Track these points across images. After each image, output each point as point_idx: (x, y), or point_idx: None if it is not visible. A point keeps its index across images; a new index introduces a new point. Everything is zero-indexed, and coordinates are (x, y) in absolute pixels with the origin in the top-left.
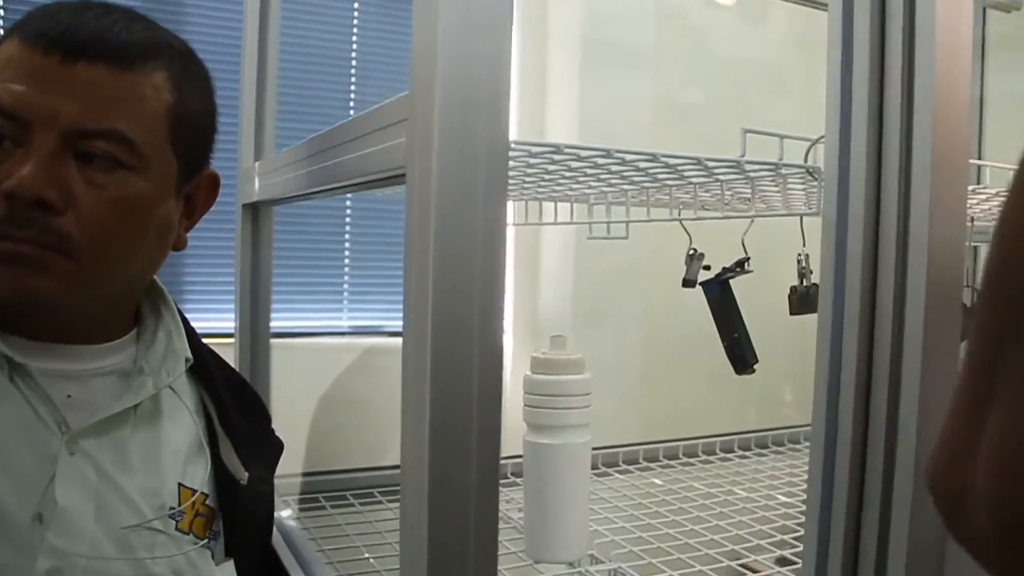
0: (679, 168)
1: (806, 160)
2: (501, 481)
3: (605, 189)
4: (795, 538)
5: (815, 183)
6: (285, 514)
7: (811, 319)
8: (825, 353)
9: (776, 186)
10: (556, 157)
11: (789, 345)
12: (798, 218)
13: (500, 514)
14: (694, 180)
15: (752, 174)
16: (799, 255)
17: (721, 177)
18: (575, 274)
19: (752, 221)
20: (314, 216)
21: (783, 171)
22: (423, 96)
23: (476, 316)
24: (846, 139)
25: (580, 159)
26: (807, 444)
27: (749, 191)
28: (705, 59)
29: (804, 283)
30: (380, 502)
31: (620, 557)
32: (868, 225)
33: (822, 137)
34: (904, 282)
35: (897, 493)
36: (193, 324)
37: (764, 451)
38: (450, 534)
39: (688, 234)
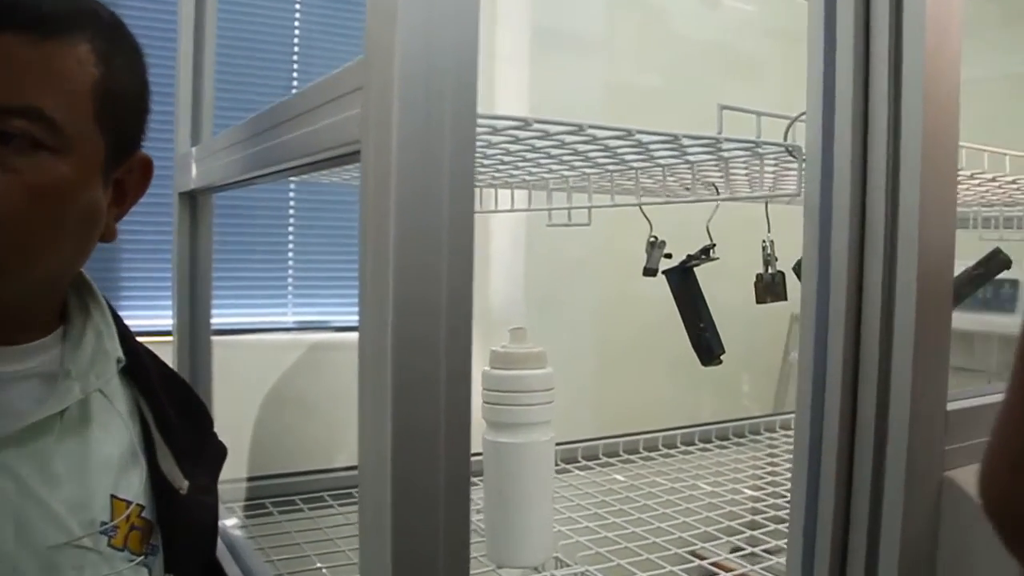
0: (650, 148)
1: (785, 139)
2: None
3: (566, 173)
4: (765, 533)
5: (790, 165)
6: (230, 523)
7: (769, 307)
8: (809, 346)
9: (745, 169)
10: (521, 135)
11: (746, 334)
12: (763, 204)
13: None
14: (663, 162)
15: (726, 154)
16: (764, 241)
17: (692, 158)
18: (527, 264)
19: (717, 206)
20: (257, 207)
21: (761, 150)
22: (380, 61)
23: (443, 306)
24: (829, 114)
25: (548, 136)
26: (768, 435)
27: (719, 174)
28: (660, 44)
29: (769, 270)
30: (331, 506)
31: (586, 559)
32: (854, 207)
33: (803, 114)
34: (893, 268)
35: (888, 495)
36: (128, 322)
37: (725, 443)
38: (416, 540)
39: (649, 221)
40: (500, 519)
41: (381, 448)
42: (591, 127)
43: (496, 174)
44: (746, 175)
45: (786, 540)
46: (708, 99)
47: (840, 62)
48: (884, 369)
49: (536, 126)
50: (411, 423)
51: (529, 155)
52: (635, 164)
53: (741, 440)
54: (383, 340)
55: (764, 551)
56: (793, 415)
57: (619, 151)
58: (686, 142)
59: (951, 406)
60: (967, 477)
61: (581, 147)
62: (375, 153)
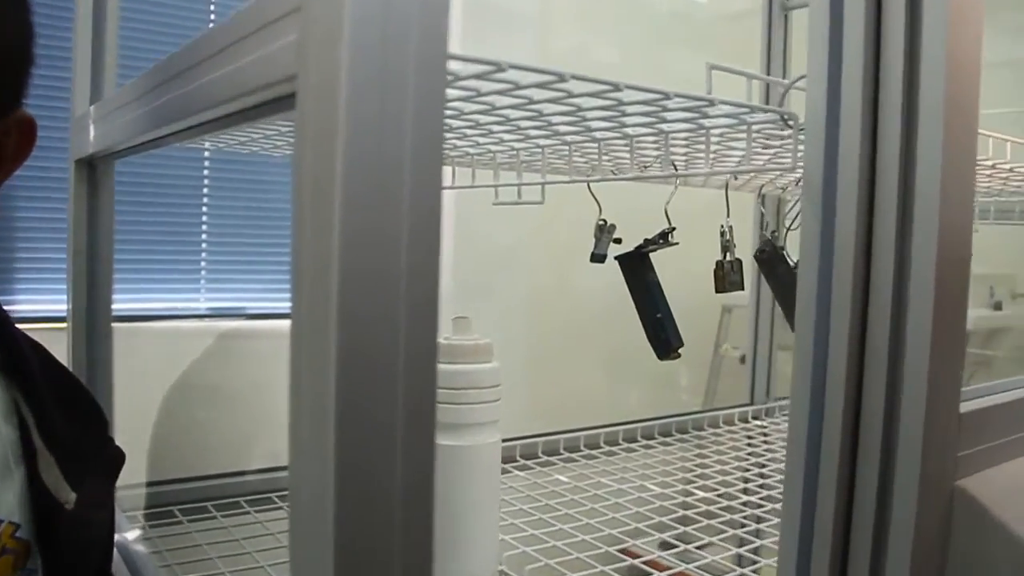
0: (627, 112)
1: (781, 104)
2: None
3: (517, 145)
4: (723, 539)
5: (773, 141)
6: (131, 535)
7: (700, 298)
8: (808, 337)
9: (716, 142)
10: (484, 87)
11: (686, 325)
12: (714, 188)
13: None
14: (633, 131)
15: (708, 122)
16: (723, 227)
17: (668, 126)
18: (456, 250)
19: (676, 188)
20: (168, 184)
21: (752, 118)
22: None
23: (402, 278)
24: (836, 75)
25: (517, 88)
26: (712, 431)
27: (686, 148)
28: (599, 19)
29: (728, 257)
30: (247, 512)
31: (536, 573)
32: (862, 181)
33: (801, 78)
34: (907, 250)
35: (896, 509)
36: (18, 306)
37: (669, 439)
38: (366, 557)
39: (598, 203)
40: (441, 529)
41: (321, 448)
42: (574, 77)
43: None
44: (717, 151)
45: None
46: (652, 76)
47: (849, 14)
48: (894, 368)
49: (511, 72)
50: (360, 417)
51: (482, 119)
52: (599, 134)
53: (685, 436)
54: (325, 319)
55: (745, 552)
56: (730, 410)
57: (586, 117)
58: (673, 105)
59: (963, 407)
60: (980, 487)
61: (548, 109)
62: (316, 88)
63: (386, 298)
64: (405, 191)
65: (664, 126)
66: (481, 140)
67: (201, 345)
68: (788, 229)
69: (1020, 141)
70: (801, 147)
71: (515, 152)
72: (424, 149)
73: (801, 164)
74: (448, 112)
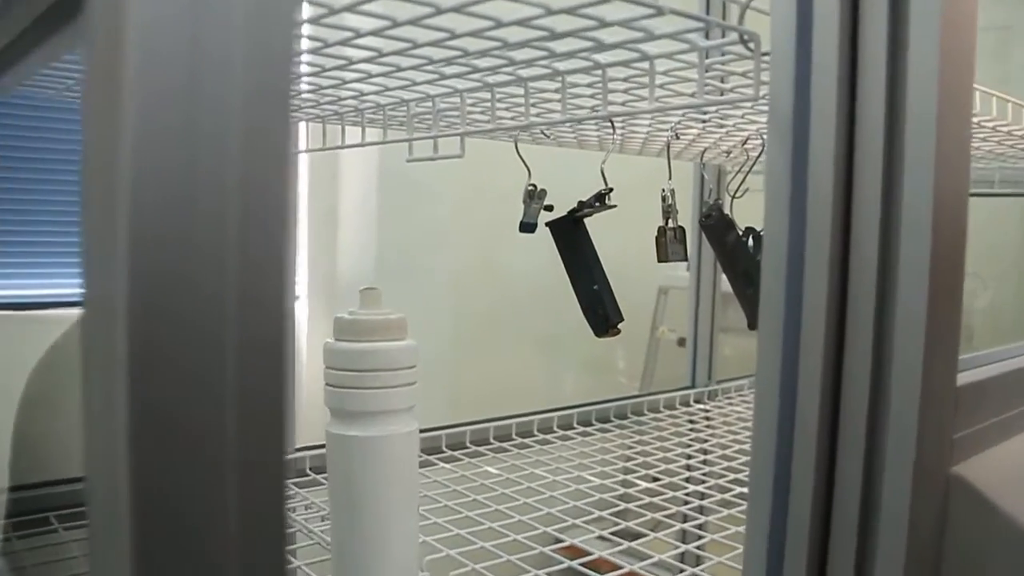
0: (556, 37)
1: (740, 21)
2: (299, 480)
3: (431, 91)
4: (668, 533)
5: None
6: None
7: (634, 275)
8: (777, 311)
9: (665, 75)
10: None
11: (621, 307)
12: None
13: (297, 527)
14: (563, 65)
15: (655, 50)
16: (664, 191)
17: (604, 58)
18: (379, 224)
19: (615, 141)
20: None
21: (705, 42)
22: None
23: (230, 244)
24: None
25: (441, 10)
26: (652, 415)
27: (625, 84)
28: None
29: (671, 224)
30: (55, 531)
31: None
32: (841, 106)
33: None
34: (895, 188)
35: (887, 503)
36: None
37: (607, 426)
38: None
39: (526, 165)
40: (350, 533)
41: (111, 456)
42: None
43: (342, 97)
44: (662, 96)
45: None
46: None
47: None
48: (882, 334)
49: None
50: (165, 421)
51: (386, 60)
52: (524, 71)
53: (624, 422)
54: (113, 308)
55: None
56: (671, 394)
57: (507, 42)
58: (612, 17)
59: (960, 379)
60: (979, 473)
61: (476, 41)
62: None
63: (202, 282)
64: (232, 144)
65: (600, 57)
66: (391, 84)
67: None
68: (733, 197)
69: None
70: (765, 76)
71: (430, 99)
72: (265, 87)
73: (765, 96)
74: (342, 60)
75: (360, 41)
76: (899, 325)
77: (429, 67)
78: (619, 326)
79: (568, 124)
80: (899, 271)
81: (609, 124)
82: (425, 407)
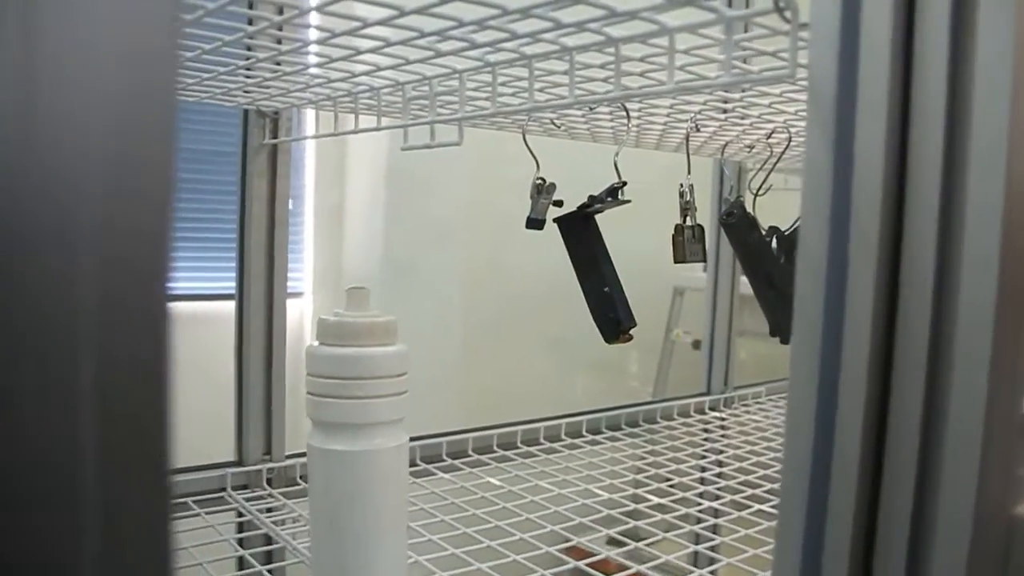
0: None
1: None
2: (284, 490)
3: (427, 72)
4: (680, 556)
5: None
6: None
7: (649, 278)
8: (814, 326)
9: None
10: None
11: (634, 308)
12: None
13: (282, 543)
14: (571, 41)
15: (671, 21)
16: (682, 186)
17: (618, 32)
18: (386, 224)
19: (629, 130)
20: None
21: (733, 10)
22: None
23: (85, 264)
24: None
25: None
26: (666, 424)
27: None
28: None
29: (688, 222)
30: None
31: None
32: (893, 88)
33: None
34: (957, 192)
35: (939, 547)
36: None
37: (618, 434)
38: None
39: (534, 157)
40: (332, 555)
41: None
42: None
43: (332, 83)
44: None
45: None
46: None
47: None
48: (938, 353)
49: None
50: None
51: (374, 30)
52: (528, 49)
53: (635, 430)
54: None
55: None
56: (685, 401)
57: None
58: None
59: None
60: None
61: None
62: None
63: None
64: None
65: (613, 31)
66: (383, 63)
67: None
68: (755, 195)
69: None
70: (802, 56)
71: (427, 82)
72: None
73: (803, 75)
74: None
75: (335, 8)
76: (959, 341)
77: (422, 41)
78: (631, 331)
79: (579, 111)
80: (961, 280)
81: (624, 112)
82: (435, 411)
